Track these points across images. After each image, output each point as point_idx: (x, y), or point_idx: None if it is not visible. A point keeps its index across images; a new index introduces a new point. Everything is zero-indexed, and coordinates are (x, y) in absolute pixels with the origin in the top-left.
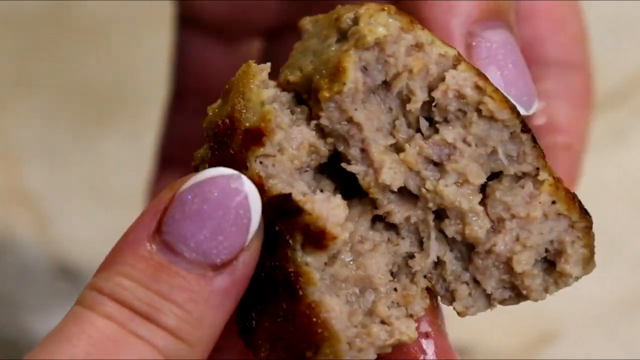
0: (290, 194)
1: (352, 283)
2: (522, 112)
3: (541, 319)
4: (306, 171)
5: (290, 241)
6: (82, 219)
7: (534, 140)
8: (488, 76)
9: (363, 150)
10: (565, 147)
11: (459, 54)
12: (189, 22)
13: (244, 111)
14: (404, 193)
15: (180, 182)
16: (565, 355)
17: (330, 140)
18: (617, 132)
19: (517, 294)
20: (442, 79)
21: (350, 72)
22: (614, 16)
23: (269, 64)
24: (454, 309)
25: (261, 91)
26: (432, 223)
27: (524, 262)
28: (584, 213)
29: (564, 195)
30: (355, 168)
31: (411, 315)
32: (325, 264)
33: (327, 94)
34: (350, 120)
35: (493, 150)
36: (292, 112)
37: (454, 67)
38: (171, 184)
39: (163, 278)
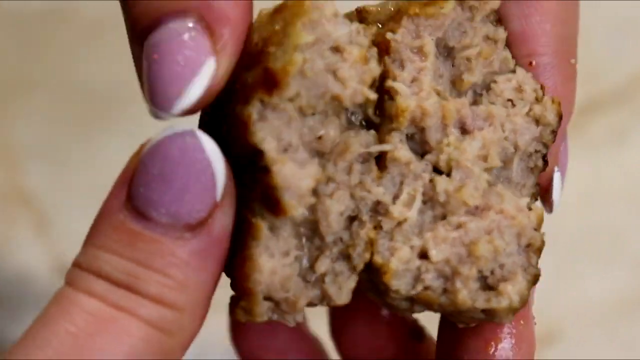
0: (262, 151)
1: (305, 227)
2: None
3: (541, 319)
4: (313, 114)
5: (252, 193)
6: (82, 219)
7: (537, 182)
8: None
9: (414, 80)
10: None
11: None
12: None
13: (276, 46)
14: (413, 145)
15: (142, 146)
16: (565, 355)
17: (383, 61)
18: (618, 132)
19: (444, 290)
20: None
21: (451, 3)
22: (616, 16)
23: (333, 3)
24: (384, 267)
25: (301, 34)
26: (425, 180)
27: (485, 251)
28: (537, 265)
29: (541, 237)
30: (401, 86)
31: (354, 268)
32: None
33: (417, 10)
34: (419, 49)
35: (513, 154)
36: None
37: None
38: (137, 150)
39: (139, 246)
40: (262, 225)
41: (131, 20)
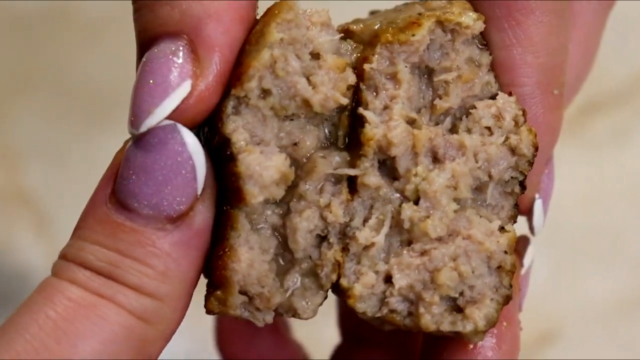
0: (230, 139)
1: (278, 237)
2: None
3: (541, 319)
4: (292, 120)
5: (229, 184)
6: None
7: (516, 204)
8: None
9: (386, 107)
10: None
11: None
12: None
13: (253, 44)
14: (386, 170)
15: (127, 142)
16: (565, 355)
17: (357, 86)
18: (619, 132)
19: (409, 313)
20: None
21: (424, 29)
22: (617, 16)
23: (326, 12)
24: (349, 291)
25: (273, 33)
26: (395, 205)
27: (447, 279)
28: (511, 286)
29: (514, 260)
30: (370, 114)
31: (322, 286)
32: (271, 205)
33: (390, 37)
34: (393, 76)
35: (487, 181)
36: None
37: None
38: (122, 145)
39: (121, 236)
40: (239, 215)
41: (136, 35)
